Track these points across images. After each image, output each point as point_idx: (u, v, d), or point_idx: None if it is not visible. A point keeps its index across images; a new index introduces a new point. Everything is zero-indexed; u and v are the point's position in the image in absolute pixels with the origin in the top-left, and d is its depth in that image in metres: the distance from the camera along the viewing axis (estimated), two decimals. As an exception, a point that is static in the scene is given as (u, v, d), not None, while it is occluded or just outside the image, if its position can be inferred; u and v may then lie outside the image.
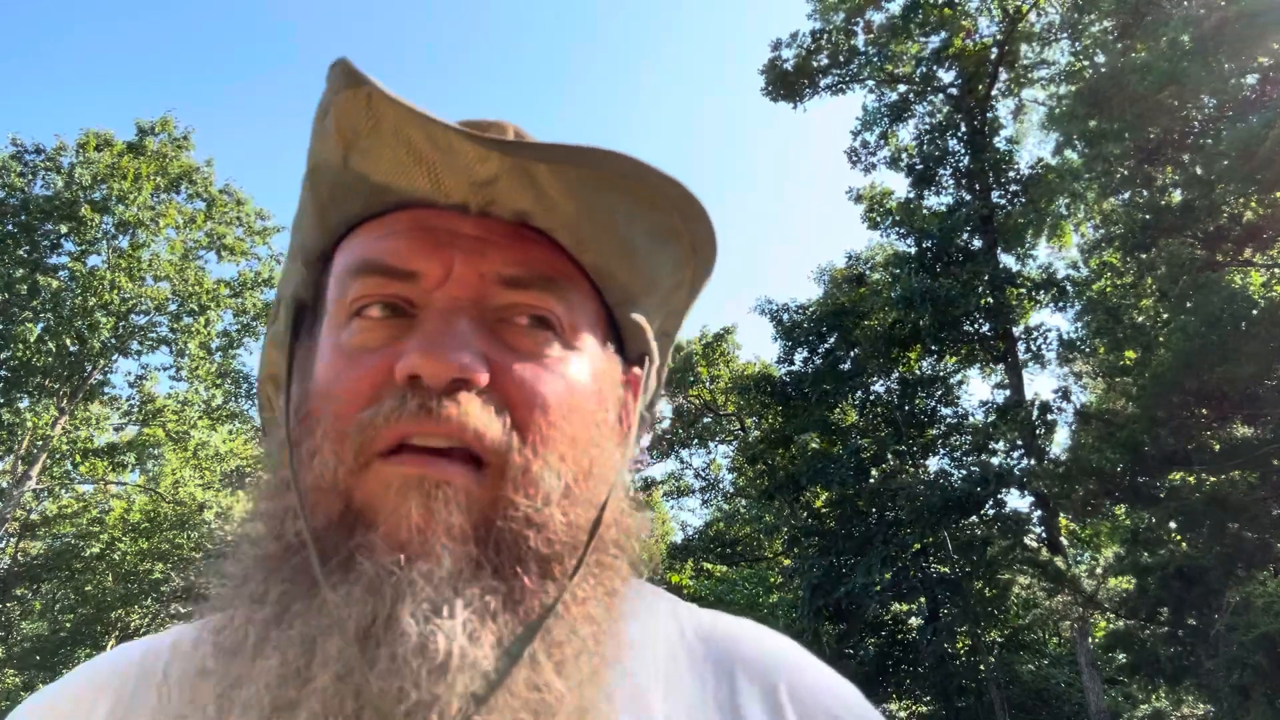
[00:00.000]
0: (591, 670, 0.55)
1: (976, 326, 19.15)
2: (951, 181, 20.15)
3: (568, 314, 0.62)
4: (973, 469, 17.71)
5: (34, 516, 21.21)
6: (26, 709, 0.66)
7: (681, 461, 28.86)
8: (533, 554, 0.55)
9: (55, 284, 18.07)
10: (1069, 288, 18.58)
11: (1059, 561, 15.25)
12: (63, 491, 22.02)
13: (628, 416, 0.70)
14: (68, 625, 20.68)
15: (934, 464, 19.83)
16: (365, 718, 0.49)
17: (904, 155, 20.89)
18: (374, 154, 0.58)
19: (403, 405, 0.55)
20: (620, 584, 0.60)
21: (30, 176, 19.09)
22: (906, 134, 21.48)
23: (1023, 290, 18.92)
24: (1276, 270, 14.42)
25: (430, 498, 0.54)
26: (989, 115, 20.23)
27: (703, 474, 29.26)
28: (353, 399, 0.56)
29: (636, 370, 0.73)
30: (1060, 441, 18.96)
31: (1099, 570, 16.03)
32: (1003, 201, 19.47)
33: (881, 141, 21.66)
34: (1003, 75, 20.47)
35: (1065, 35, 19.35)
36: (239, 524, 0.61)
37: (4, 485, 18.40)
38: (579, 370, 0.62)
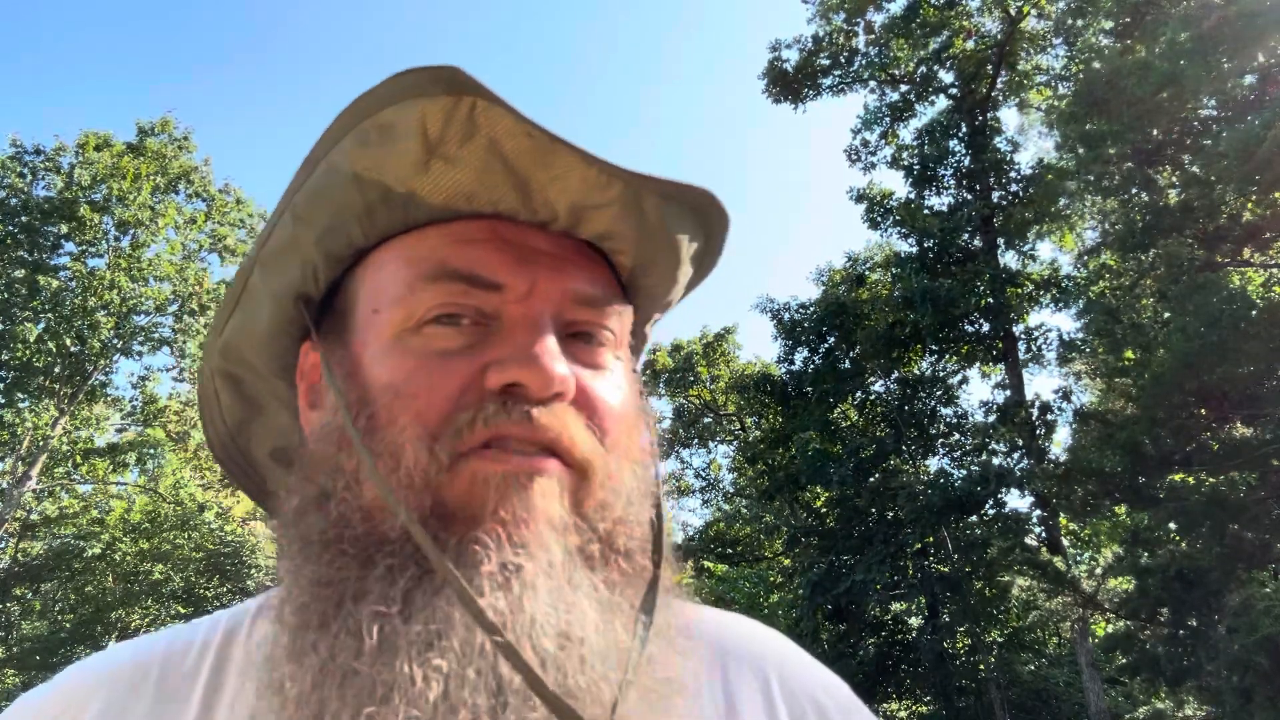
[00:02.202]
0: (683, 649, 0.61)
1: (977, 326, 19.14)
2: (952, 182, 20.14)
3: (620, 332, 0.65)
4: (973, 469, 17.69)
5: (34, 517, 21.19)
6: (15, 710, 0.64)
7: (681, 461, 28.90)
8: (624, 547, 0.60)
9: (55, 284, 18.06)
10: (1069, 286, 18.58)
11: (1059, 562, 15.23)
12: (63, 492, 22.00)
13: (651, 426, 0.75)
14: (68, 625, 20.65)
15: (934, 464, 19.82)
16: (510, 707, 0.50)
17: (905, 155, 20.88)
18: (461, 163, 0.58)
19: (505, 410, 0.56)
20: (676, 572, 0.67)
21: (30, 177, 19.10)
22: (907, 134, 21.50)
23: (1023, 290, 18.91)
24: (1276, 270, 14.41)
25: (530, 491, 0.56)
26: (989, 115, 20.23)
27: (703, 474, 29.28)
28: (438, 401, 0.57)
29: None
30: (1060, 442, 18.99)
31: (1099, 571, 16.03)
32: (1004, 202, 19.47)
33: (882, 141, 21.66)
34: (1003, 76, 20.48)
35: (1060, 40, 19.36)
36: (287, 522, 0.60)
37: (4, 485, 18.38)
38: (630, 386, 0.66)
